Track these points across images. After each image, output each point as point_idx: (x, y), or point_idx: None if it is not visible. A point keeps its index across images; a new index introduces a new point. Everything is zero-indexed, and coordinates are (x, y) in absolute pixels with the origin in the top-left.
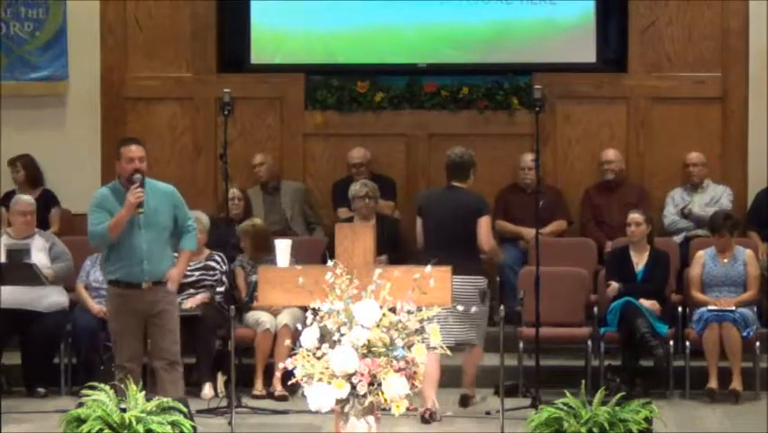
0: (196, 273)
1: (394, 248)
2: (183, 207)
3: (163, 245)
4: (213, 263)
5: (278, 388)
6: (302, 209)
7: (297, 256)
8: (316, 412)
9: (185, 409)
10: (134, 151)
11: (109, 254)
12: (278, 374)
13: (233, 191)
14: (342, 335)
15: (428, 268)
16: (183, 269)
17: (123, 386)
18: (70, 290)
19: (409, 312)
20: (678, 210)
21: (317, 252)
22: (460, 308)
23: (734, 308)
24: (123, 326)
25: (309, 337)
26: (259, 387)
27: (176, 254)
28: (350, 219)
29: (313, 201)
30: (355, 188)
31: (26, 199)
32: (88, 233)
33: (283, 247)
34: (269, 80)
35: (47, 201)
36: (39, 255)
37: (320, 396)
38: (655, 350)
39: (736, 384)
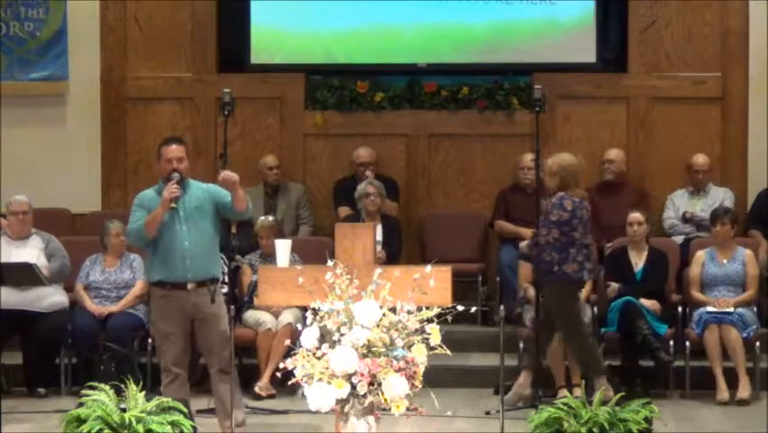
0: None
1: (394, 248)
2: (222, 191)
3: (207, 245)
4: None
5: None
6: (295, 211)
7: (299, 256)
8: (316, 412)
9: (185, 410)
10: (172, 151)
11: (153, 255)
12: (278, 374)
13: None
14: (342, 335)
15: (428, 268)
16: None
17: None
18: (70, 290)
19: (409, 312)
20: (679, 215)
21: (317, 252)
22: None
23: (732, 309)
24: (167, 329)
25: (309, 337)
26: (267, 386)
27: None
28: (350, 218)
29: (309, 203)
30: (362, 188)
31: (20, 199)
32: (127, 231)
33: (283, 247)
34: (269, 80)
35: None
36: (37, 256)
37: (320, 396)
38: (659, 353)
39: (743, 391)
